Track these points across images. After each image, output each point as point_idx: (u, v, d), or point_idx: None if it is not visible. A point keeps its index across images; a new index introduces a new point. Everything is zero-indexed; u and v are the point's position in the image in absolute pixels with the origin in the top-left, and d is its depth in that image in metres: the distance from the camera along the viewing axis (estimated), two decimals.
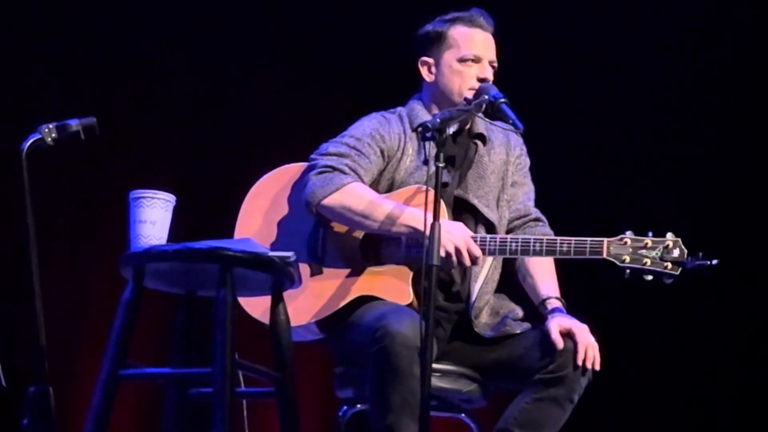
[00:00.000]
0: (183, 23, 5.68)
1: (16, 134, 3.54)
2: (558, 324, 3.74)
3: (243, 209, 3.94)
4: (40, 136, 3.48)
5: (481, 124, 3.97)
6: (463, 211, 3.89)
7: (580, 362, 3.70)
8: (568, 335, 3.72)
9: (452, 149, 3.88)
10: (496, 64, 3.93)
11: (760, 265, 5.65)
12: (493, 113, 3.77)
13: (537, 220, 4.01)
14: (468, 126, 3.95)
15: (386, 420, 3.56)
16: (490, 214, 3.92)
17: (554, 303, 3.86)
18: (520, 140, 4.05)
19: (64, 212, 5.38)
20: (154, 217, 3.35)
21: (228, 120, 5.72)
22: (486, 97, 3.75)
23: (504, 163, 4.01)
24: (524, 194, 4.04)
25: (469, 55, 3.91)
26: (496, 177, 3.98)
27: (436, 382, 3.67)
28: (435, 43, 3.96)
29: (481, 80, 3.88)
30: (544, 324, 3.78)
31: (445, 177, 3.72)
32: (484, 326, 3.86)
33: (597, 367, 3.72)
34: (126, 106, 5.51)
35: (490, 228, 3.90)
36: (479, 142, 3.97)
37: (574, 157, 5.77)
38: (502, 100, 3.71)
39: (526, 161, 4.07)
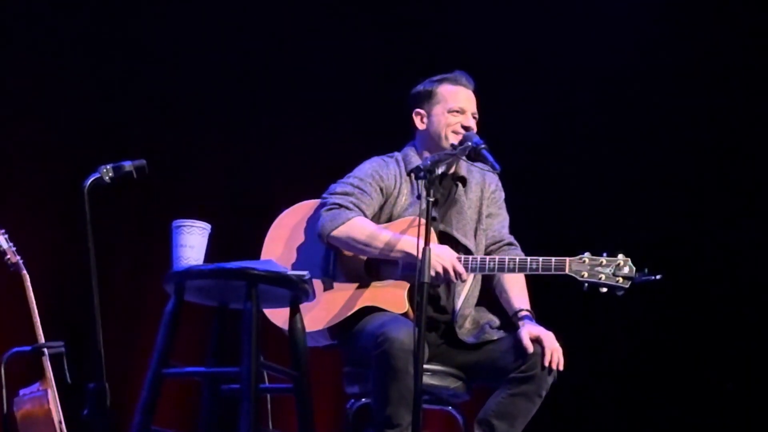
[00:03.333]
0: (223, 86, 5.73)
1: (78, 174, 3.53)
2: (528, 331, 3.73)
3: (267, 237, 3.92)
4: (99, 175, 3.45)
5: (463, 167, 3.96)
6: (447, 240, 3.86)
7: (546, 364, 3.68)
8: (537, 341, 3.72)
9: (437, 191, 3.86)
10: (477, 116, 3.92)
11: (699, 280, 5.63)
12: (474, 157, 3.77)
13: (510, 244, 3.98)
14: (452, 170, 3.94)
15: (386, 411, 3.56)
16: (468, 242, 3.90)
17: (525, 314, 3.85)
18: (496, 177, 4.02)
19: (119, 238, 5.35)
20: (192, 242, 3.35)
21: (254, 164, 5.74)
22: (469, 143, 3.73)
23: (479, 200, 3.97)
24: (498, 223, 4.00)
25: (455, 107, 3.89)
26: (472, 211, 3.94)
27: (427, 380, 3.67)
28: (426, 99, 3.95)
29: (465, 128, 3.87)
30: (517, 331, 3.78)
31: (433, 213, 3.67)
32: (467, 333, 3.86)
33: (561, 368, 3.71)
34: (170, 150, 5.51)
35: (469, 253, 3.87)
36: (459, 184, 3.95)
37: (544, 190, 5.74)
38: (483, 146, 3.70)
39: (501, 195, 4.03)
